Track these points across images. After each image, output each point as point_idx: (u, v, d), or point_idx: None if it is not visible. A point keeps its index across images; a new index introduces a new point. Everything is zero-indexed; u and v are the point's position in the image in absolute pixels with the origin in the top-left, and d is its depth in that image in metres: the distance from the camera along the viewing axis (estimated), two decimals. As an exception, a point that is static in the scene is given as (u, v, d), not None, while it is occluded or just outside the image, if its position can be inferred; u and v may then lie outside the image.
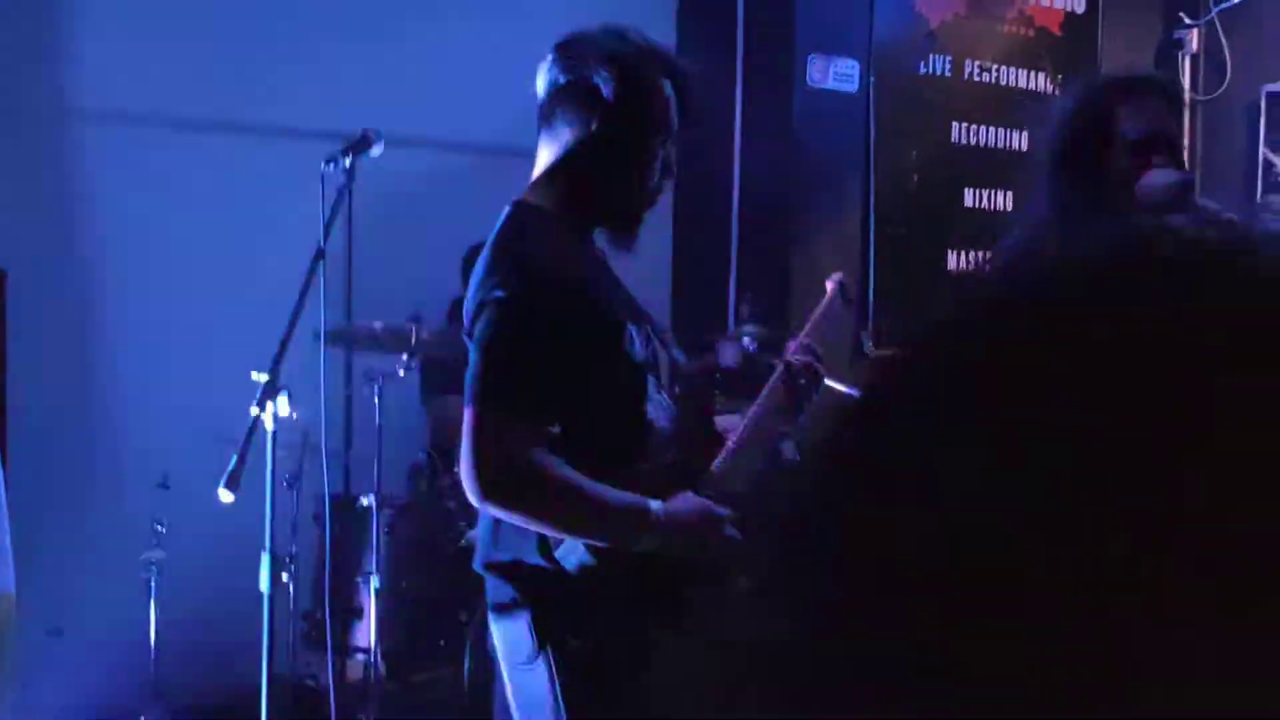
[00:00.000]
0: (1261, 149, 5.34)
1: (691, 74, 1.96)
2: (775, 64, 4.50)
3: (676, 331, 2.86)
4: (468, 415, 1.82)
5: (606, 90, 1.87)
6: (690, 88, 1.94)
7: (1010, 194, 5.11)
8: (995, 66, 5.04)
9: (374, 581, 3.28)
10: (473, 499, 1.83)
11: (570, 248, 1.94)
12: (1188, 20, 5.38)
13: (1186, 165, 2.56)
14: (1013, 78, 5.11)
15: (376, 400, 3.39)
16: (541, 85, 1.95)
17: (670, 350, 2.06)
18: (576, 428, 1.82)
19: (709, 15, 4.72)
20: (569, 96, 1.89)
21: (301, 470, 3.34)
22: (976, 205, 5.02)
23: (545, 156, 1.97)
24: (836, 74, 4.54)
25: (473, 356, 1.85)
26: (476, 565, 1.97)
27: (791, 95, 4.45)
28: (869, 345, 4.67)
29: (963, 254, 4.99)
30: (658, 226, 4.85)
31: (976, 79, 4.99)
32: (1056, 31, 5.24)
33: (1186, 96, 5.54)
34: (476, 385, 1.83)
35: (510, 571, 1.91)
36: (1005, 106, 5.07)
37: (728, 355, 4.14)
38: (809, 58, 4.48)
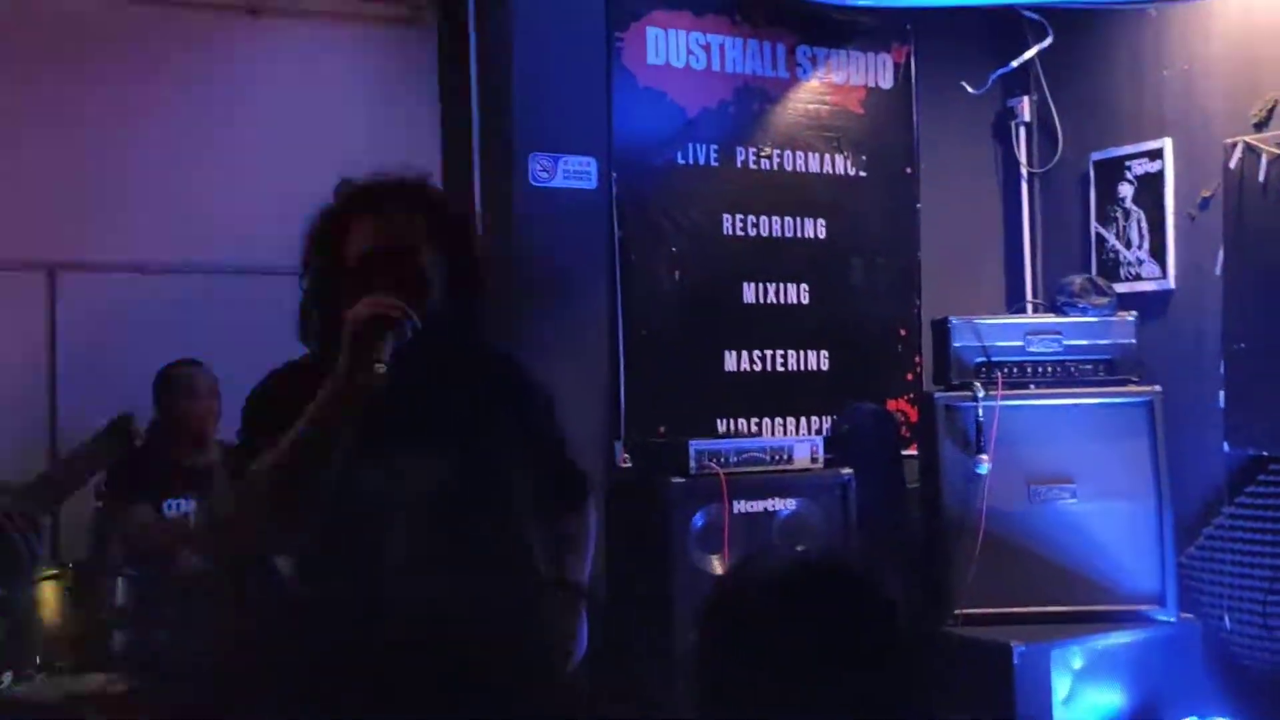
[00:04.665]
0: (1093, 224, 4.87)
1: None
2: (499, 165, 4.29)
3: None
4: None
5: None
6: None
7: (805, 286, 4.76)
8: (777, 152, 4.72)
9: None
10: None
11: None
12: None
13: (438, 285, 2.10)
14: (801, 163, 4.77)
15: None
16: None
17: None
18: None
19: (457, 121, 4.55)
20: None
21: None
22: (759, 300, 4.68)
23: None
24: (567, 172, 4.30)
25: None
26: None
27: (512, 195, 4.23)
28: (621, 456, 4.36)
29: (744, 353, 4.64)
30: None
31: (752, 166, 4.68)
32: (858, 110, 4.90)
33: (1023, 170, 5.13)
34: None
35: None
36: (792, 194, 4.74)
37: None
38: (530, 156, 4.25)
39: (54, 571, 3.09)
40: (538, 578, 2.20)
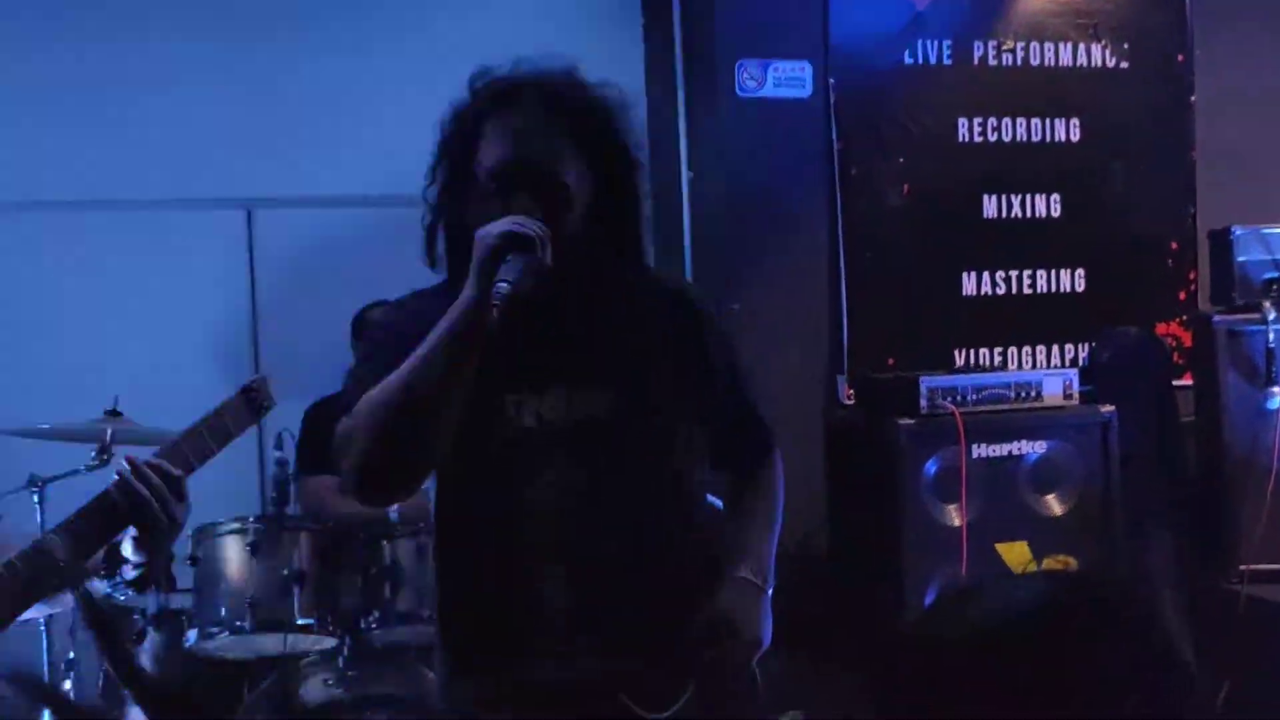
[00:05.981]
0: None
1: None
2: (703, 76, 3.91)
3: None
4: None
5: None
6: None
7: (1057, 197, 4.19)
8: (1020, 44, 4.14)
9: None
10: None
11: None
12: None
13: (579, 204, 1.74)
14: (1050, 55, 4.18)
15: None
16: None
17: None
18: None
19: (660, 30, 4.18)
20: None
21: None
22: (1003, 215, 4.14)
23: None
24: (778, 79, 3.87)
25: None
26: None
27: (717, 109, 3.84)
28: (845, 392, 3.95)
29: (985, 275, 4.12)
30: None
31: (991, 63, 4.12)
32: (1117, -10, 4.25)
33: None
34: None
35: None
36: (1040, 91, 4.16)
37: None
38: (737, 64, 3.84)
39: (236, 526, 2.96)
40: (710, 552, 1.87)
